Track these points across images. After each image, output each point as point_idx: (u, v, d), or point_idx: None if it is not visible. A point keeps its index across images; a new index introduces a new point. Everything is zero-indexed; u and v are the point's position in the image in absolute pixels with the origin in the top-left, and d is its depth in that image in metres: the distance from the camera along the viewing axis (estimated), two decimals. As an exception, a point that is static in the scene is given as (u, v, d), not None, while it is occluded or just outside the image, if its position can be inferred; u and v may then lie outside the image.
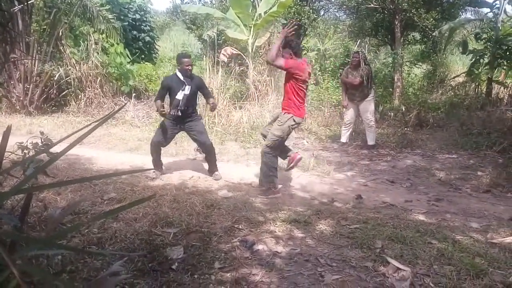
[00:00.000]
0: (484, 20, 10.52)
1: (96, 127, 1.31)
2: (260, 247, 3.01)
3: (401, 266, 2.68)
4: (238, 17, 9.40)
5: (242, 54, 9.43)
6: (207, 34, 12.44)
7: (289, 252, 2.95)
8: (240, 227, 3.38)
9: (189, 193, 4.33)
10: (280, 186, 4.75)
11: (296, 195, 4.67)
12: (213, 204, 3.90)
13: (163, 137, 5.10)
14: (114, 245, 2.97)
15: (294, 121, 4.46)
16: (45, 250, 1.74)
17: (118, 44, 10.33)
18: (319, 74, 10.87)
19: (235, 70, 9.48)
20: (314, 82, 10.24)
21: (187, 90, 4.95)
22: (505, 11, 9.74)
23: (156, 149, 5.15)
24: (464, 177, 5.48)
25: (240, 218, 3.56)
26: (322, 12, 15.69)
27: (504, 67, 9.90)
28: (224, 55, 9.35)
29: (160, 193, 4.24)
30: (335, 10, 15.64)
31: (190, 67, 5.02)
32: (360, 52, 7.22)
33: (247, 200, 4.17)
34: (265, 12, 9.24)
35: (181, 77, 4.98)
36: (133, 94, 9.72)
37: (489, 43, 9.76)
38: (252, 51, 9.39)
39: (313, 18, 12.84)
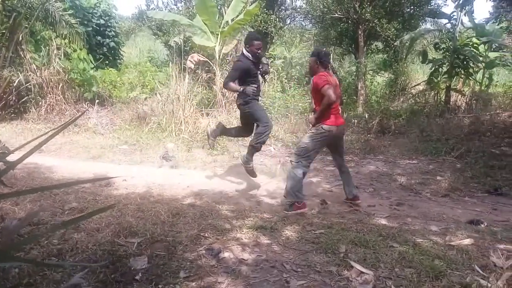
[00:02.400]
0: (443, 31, 11.03)
1: (55, 134, 1.28)
2: (226, 254, 3.00)
3: (364, 270, 2.75)
4: (205, 24, 9.40)
5: (209, 61, 9.42)
6: (174, 41, 12.33)
7: (255, 259, 2.96)
8: (206, 235, 3.35)
9: (154, 202, 4.26)
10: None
11: (263, 202, 4.69)
12: (179, 212, 3.85)
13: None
14: (75, 256, 2.88)
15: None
16: (1, 263, 1.66)
17: (81, 49, 10.08)
18: (285, 82, 11.01)
19: (202, 77, 9.45)
20: (281, 90, 10.36)
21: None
22: (462, 22, 10.25)
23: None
24: (424, 181, 5.69)
25: (206, 226, 3.53)
26: (288, 21, 15.96)
27: (462, 76, 10.39)
28: (191, 61, 9.31)
29: (124, 202, 4.15)
30: (301, 19, 15.95)
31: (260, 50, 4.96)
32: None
33: (214, 208, 4.15)
34: (232, 20, 9.29)
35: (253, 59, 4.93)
36: (97, 101, 9.49)
37: (447, 53, 10.22)
38: (219, 58, 9.40)
39: (280, 27, 13.03)
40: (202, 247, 3.10)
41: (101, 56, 12.35)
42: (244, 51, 4.95)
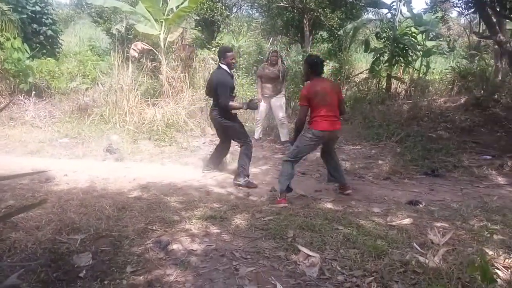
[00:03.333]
0: (384, 20, 11.46)
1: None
2: (175, 246, 2.97)
3: (310, 253, 2.83)
4: (148, 11, 9.08)
5: (154, 49, 9.14)
6: (116, 28, 11.84)
7: (204, 249, 2.95)
8: (154, 228, 3.29)
9: (98, 196, 4.11)
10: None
11: (213, 192, 4.67)
12: (125, 206, 3.75)
13: None
14: (13, 256, 2.74)
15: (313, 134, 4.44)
16: None
17: (15, 38, 9.37)
18: (233, 71, 10.93)
19: (147, 66, 9.16)
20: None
21: None
22: (401, 12, 10.71)
23: None
24: (367, 166, 5.93)
25: (154, 219, 3.47)
26: (235, 9, 15.86)
27: (402, 64, 10.89)
28: (134, 50, 8.98)
29: (66, 198, 3.96)
30: (247, 8, 15.92)
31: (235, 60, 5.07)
32: (278, 50, 7.46)
33: (162, 200, 4.07)
34: (176, 7, 9.05)
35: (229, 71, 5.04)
36: (33, 92, 8.91)
37: (388, 42, 10.64)
38: (164, 47, 9.15)
39: (226, 15, 12.92)
40: (149, 241, 3.04)
41: (37, 45, 11.55)
42: (221, 65, 5.02)
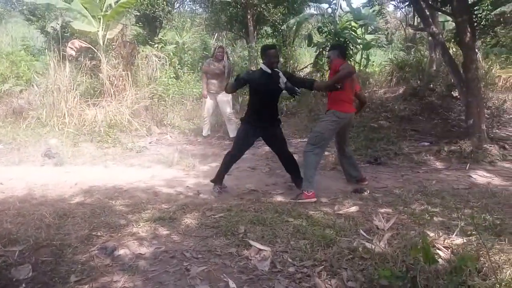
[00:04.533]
0: (325, 15, 11.75)
1: None
2: (121, 251, 2.85)
3: (262, 247, 2.84)
4: (85, 7, 8.66)
5: (92, 47, 8.73)
6: (51, 26, 11.23)
7: (153, 251, 2.86)
8: (99, 234, 3.14)
9: (37, 204, 3.86)
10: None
11: (161, 192, 4.54)
12: (66, 213, 3.55)
13: None
14: None
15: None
16: None
17: None
18: (178, 68, 10.76)
19: (85, 65, 8.73)
20: (174, 76, 10.11)
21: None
22: (341, 7, 11.05)
23: None
24: (315, 157, 6.05)
25: (98, 225, 3.31)
26: (177, 5, 15.53)
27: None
28: (71, 48, 8.50)
29: (1, 208, 3.69)
30: (190, 3, 15.65)
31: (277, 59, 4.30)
32: (223, 46, 7.38)
33: (106, 204, 3.90)
34: (115, 3, 8.70)
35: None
36: (-41, 97, 8.22)
37: (329, 36, 10.92)
38: (104, 44, 8.77)
39: (168, 11, 12.61)
40: (94, 247, 2.90)
41: (-38, 45, 10.67)
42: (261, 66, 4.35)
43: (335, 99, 4.44)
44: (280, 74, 4.13)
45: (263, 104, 4.31)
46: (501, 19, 11.25)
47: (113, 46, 9.09)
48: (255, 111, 4.35)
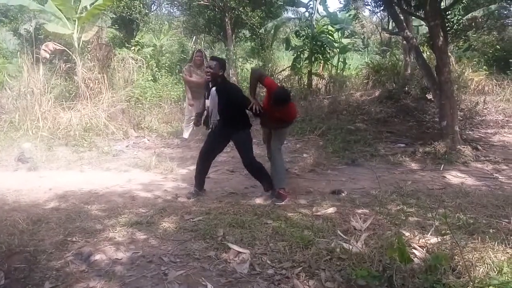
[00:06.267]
0: (302, 19, 11.87)
1: None
2: (98, 257, 2.79)
3: (241, 250, 2.83)
4: (59, 9, 8.49)
5: (67, 50, 8.56)
6: (24, 28, 10.98)
7: (130, 256, 2.81)
8: (74, 239, 3.07)
9: (10, 210, 3.75)
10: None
11: (138, 197, 4.48)
12: (40, 218, 3.46)
13: None
14: None
15: None
16: None
17: None
18: (156, 71, 10.66)
19: (60, 68, 8.56)
20: (152, 79, 10.01)
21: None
22: (318, 11, 11.17)
23: None
24: (293, 160, 6.10)
25: (73, 230, 3.23)
26: (154, 7, 15.40)
27: (321, 61, 11.36)
28: (45, 51, 8.33)
29: (-30, 215, 3.56)
30: (167, 6, 15.53)
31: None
32: (202, 50, 7.31)
33: (82, 209, 3.82)
34: (90, 5, 8.57)
35: None
36: None
37: (307, 40, 11.04)
38: (79, 47, 8.62)
39: (145, 13, 12.50)
40: (69, 253, 2.83)
41: None
42: None
43: None
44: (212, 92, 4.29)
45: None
46: (473, 23, 11.64)
47: (89, 49, 8.97)
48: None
